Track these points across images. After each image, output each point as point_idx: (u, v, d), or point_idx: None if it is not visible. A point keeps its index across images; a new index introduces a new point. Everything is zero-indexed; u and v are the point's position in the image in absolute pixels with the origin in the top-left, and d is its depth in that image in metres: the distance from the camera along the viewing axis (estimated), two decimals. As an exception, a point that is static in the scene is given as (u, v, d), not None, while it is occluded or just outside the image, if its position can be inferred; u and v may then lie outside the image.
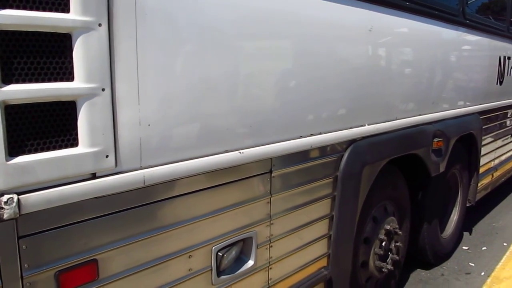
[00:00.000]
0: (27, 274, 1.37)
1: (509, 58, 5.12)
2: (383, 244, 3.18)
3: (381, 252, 3.15)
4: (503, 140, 5.41)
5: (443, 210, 4.28)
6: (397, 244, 3.28)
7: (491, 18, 4.85)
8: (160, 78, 1.64)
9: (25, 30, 1.29)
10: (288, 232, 2.34)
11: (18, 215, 1.30)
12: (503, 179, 5.73)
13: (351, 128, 2.62)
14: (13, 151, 1.30)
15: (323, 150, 2.47)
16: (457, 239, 4.60)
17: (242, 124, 1.99)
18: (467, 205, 4.58)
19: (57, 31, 1.35)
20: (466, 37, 4.07)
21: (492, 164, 5.15)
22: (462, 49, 4.09)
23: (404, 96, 3.19)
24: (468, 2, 4.10)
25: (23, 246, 1.36)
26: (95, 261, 1.53)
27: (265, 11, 2.03)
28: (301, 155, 2.33)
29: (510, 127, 5.64)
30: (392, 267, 3.23)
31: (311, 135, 2.34)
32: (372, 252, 3.12)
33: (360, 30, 2.61)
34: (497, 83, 4.88)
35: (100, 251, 1.55)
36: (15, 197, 1.29)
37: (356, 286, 3.01)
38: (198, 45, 1.75)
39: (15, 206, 1.29)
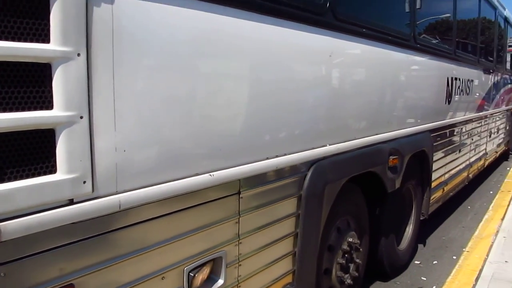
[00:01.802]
0: (4, 302, 1.38)
1: (456, 79, 5.44)
2: (344, 262, 3.30)
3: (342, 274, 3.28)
4: (452, 156, 5.71)
5: (399, 223, 4.47)
6: (357, 261, 3.40)
7: (439, 42, 5.15)
8: (135, 105, 1.68)
9: (6, 60, 1.31)
10: (256, 251, 2.41)
11: (-3, 243, 1.31)
12: (452, 193, 6.03)
13: (313, 148, 2.73)
14: (-8, 179, 1.31)
15: (288, 170, 2.57)
16: (412, 251, 4.80)
17: (212, 147, 2.05)
18: (421, 218, 4.80)
19: (38, 61, 1.39)
20: (417, 60, 4.32)
21: (443, 178, 5.42)
22: (414, 72, 4.33)
23: (362, 117, 3.35)
24: (418, 28, 4.35)
25: (1, 274, 1.36)
26: (71, 286, 1.55)
27: (234, 39, 2.12)
28: (268, 176, 2.42)
29: (458, 143, 5.96)
30: (351, 282, 3.35)
31: (277, 156, 2.44)
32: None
33: (322, 56, 2.75)
34: (445, 103, 5.18)
35: (76, 276, 1.56)
36: (-6, 224, 1.30)
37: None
38: (170, 74, 1.81)
39: (-6, 234, 1.30)
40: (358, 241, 3.42)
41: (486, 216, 6.30)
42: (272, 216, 2.50)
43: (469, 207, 6.92)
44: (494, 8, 7.94)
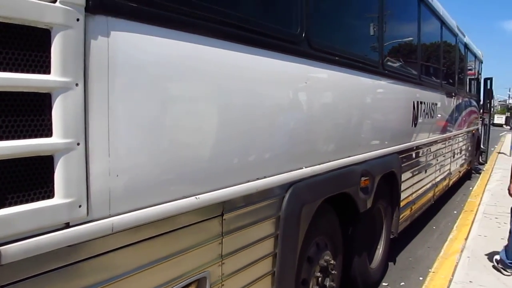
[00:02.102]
0: (2, 324, 1.41)
1: (421, 102, 5.71)
2: (320, 277, 3.40)
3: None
4: (419, 176, 5.94)
5: (371, 242, 4.62)
6: (332, 283, 3.51)
7: (405, 68, 5.41)
8: (128, 132, 1.76)
9: (11, 90, 1.38)
10: (238, 271, 2.48)
11: (-2, 266, 1.36)
12: (419, 212, 6.24)
13: (291, 171, 2.85)
14: (-5, 204, 1.37)
15: (268, 192, 2.67)
16: (383, 269, 4.94)
17: (197, 171, 2.13)
18: (391, 237, 4.97)
19: (39, 91, 1.46)
20: (385, 85, 4.54)
21: (411, 198, 5.63)
22: (383, 96, 4.55)
23: (336, 140, 3.50)
24: (386, 55, 4.59)
25: (0, 297, 1.40)
26: (66, 308, 1.59)
27: (221, 69, 2.23)
28: (249, 198, 2.51)
29: (425, 164, 6.21)
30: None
31: (257, 179, 2.54)
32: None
33: (298, 83, 2.90)
34: (412, 125, 5.41)
35: (70, 298, 1.61)
36: (-4, 248, 1.35)
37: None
38: (160, 103, 1.91)
39: (-4, 258, 1.34)
40: (334, 262, 3.53)
41: (450, 236, 6.45)
42: (253, 237, 2.59)
43: (434, 227, 7.13)
44: (455, 35, 8.37)
